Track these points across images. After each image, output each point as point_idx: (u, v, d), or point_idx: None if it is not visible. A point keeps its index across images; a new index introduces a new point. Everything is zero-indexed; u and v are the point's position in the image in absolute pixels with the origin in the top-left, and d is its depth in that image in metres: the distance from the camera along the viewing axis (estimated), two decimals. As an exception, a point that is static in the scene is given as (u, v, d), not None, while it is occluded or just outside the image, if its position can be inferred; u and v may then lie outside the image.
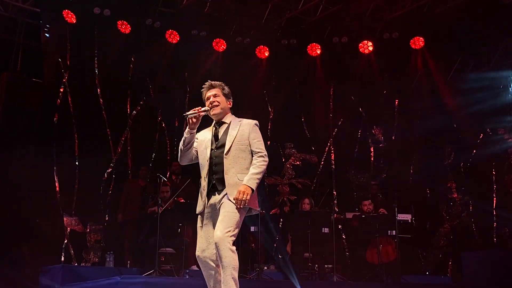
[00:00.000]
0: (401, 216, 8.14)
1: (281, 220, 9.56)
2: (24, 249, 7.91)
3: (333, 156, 10.56)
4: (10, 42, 9.11)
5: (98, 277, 6.64)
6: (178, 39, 9.81)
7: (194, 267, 7.42)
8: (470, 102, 9.70)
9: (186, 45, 9.90)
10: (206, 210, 3.78)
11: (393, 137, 10.48)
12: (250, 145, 3.83)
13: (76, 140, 9.09)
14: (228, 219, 3.60)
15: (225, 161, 3.76)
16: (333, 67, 10.40)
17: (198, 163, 3.96)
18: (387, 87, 10.55)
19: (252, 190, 3.67)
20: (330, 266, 8.14)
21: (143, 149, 9.81)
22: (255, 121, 3.94)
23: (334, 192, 10.24)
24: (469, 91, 9.73)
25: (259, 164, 3.76)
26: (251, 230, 7.81)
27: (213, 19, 9.79)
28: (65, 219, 8.48)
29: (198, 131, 3.91)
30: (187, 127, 3.82)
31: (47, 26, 8.88)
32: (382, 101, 10.63)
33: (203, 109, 3.85)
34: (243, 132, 3.84)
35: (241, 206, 3.64)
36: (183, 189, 7.64)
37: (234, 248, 3.55)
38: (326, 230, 7.76)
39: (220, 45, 10.10)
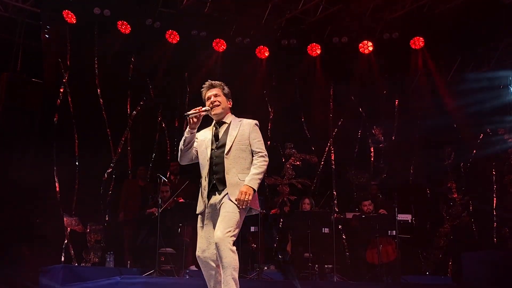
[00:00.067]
0: (401, 216, 8.15)
1: (281, 220, 9.56)
2: (24, 249, 7.90)
3: (333, 156, 10.57)
4: (10, 42, 9.10)
5: (98, 277, 6.64)
6: (178, 39, 9.81)
7: (193, 267, 7.43)
8: (470, 102, 9.70)
9: (186, 45, 9.90)
10: (206, 210, 3.78)
11: (393, 137, 10.48)
12: (250, 145, 3.83)
13: (76, 140, 9.09)
14: (228, 219, 3.60)
15: (225, 161, 3.76)
16: (333, 67, 10.40)
17: (197, 163, 3.96)
18: (387, 87, 10.55)
19: (254, 190, 3.67)
20: (330, 266, 8.14)
21: (143, 149, 9.81)
22: (255, 121, 3.94)
23: (334, 192, 10.25)
24: (469, 91, 9.73)
25: (260, 164, 3.76)
26: (251, 230, 7.80)
27: (213, 19, 9.79)
28: (65, 219, 8.48)
29: (198, 131, 3.91)
30: (188, 126, 3.82)
31: (47, 26, 8.88)
32: (382, 101, 10.63)
33: (203, 108, 3.85)
34: (243, 132, 3.84)
35: (243, 207, 3.64)
36: (182, 190, 7.63)
37: (234, 248, 3.55)
38: (326, 230, 7.76)
39: (220, 45, 10.10)
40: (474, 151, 10.23)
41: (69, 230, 8.53)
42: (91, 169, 8.99)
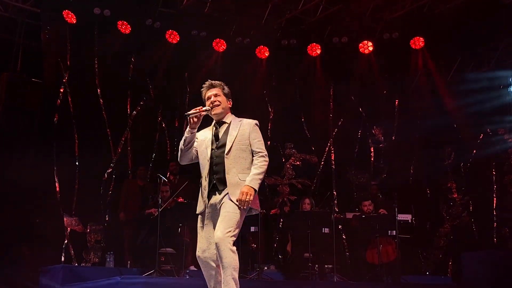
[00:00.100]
0: (401, 216, 8.15)
1: (281, 220, 9.57)
2: (24, 249, 7.90)
3: (333, 156, 10.57)
4: (10, 42, 9.10)
5: (98, 277, 6.64)
6: (178, 39, 9.81)
7: (192, 267, 7.43)
8: (470, 102, 9.70)
9: (186, 45, 9.90)
10: (206, 210, 3.78)
11: (393, 137, 10.48)
12: (250, 145, 3.83)
13: (76, 140, 9.09)
14: (228, 219, 3.60)
15: (226, 161, 3.76)
16: (333, 67, 10.40)
17: (197, 162, 3.96)
18: (387, 87, 10.55)
19: (255, 190, 3.68)
20: (330, 266, 8.14)
21: (143, 149, 9.81)
22: (255, 121, 3.94)
23: (334, 192, 10.25)
24: (469, 91, 9.73)
25: (261, 164, 3.77)
26: (251, 230, 7.80)
27: (213, 19, 9.79)
28: (65, 219, 8.48)
29: (198, 130, 3.91)
30: (188, 126, 3.82)
31: (47, 26, 8.88)
32: (382, 101, 10.63)
33: (204, 108, 3.85)
34: (243, 132, 3.84)
35: (245, 207, 3.64)
36: (181, 190, 7.63)
37: (234, 248, 3.55)
38: (326, 230, 7.76)
39: (220, 45, 10.10)
40: (474, 151, 10.23)
41: (69, 230, 8.53)
42: (91, 169, 8.99)
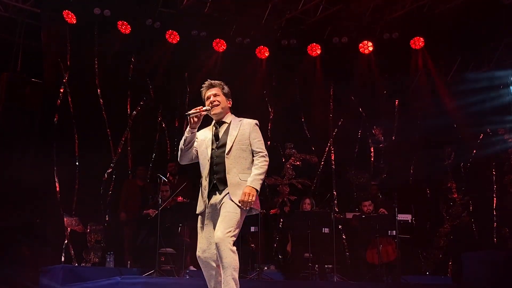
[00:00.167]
0: (401, 216, 8.15)
1: (281, 220, 9.57)
2: (24, 249, 7.90)
3: (333, 156, 10.57)
4: (10, 42, 9.10)
5: (99, 277, 6.64)
6: (178, 39, 9.81)
7: (192, 267, 7.43)
8: (470, 102, 9.71)
9: (186, 45, 9.90)
10: (206, 210, 3.78)
11: (393, 137, 10.48)
12: (251, 145, 3.83)
13: (76, 140, 9.09)
14: (228, 219, 3.60)
15: (226, 161, 3.76)
16: (333, 67, 10.39)
17: (197, 162, 3.96)
18: (387, 87, 10.55)
19: (257, 191, 3.68)
20: (330, 266, 8.14)
21: (143, 149, 9.80)
22: (255, 121, 3.94)
23: (334, 192, 10.25)
24: (469, 91, 9.74)
25: (261, 164, 3.77)
26: (251, 230, 7.81)
27: (213, 19, 9.79)
28: (65, 219, 8.48)
29: (198, 130, 3.91)
30: (188, 126, 3.82)
31: (47, 27, 8.89)
32: (382, 101, 10.63)
33: (204, 108, 3.85)
34: (243, 132, 3.84)
35: (247, 208, 3.64)
36: (180, 191, 7.63)
37: (234, 248, 3.55)
38: (326, 230, 7.76)
39: (220, 46, 10.10)
40: (474, 151, 10.23)
41: (69, 230, 8.53)
42: (91, 169, 8.99)
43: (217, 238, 3.54)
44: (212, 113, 3.90)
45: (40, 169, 8.14)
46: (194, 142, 3.88)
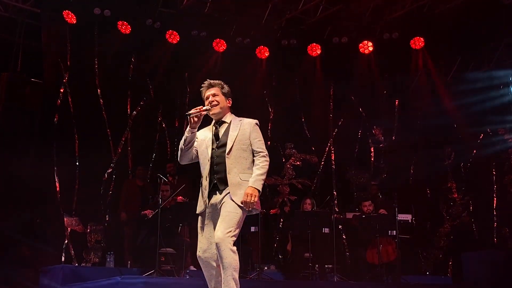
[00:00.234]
0: (401, 216, 8.14)
1: (281, 220, 9.57)
2: (24, 249, 7.90)
3: (333, 156, 10.57)
4: (10, 42, 9.10)
5: (99, 277, 6.64)
6: (178, 39, 9.81)
7: (192, 267, 7.43)
8: (470, 102, 9.71)
9: (186, 45, 9.90)
10: (207, 210, 3.78)
11: (393, 137, 10.47)
12: (251, 145, 3.83)
13: (76, 140, 9.09)
14: (229, 219, 3.60)
15: (227, 160, 3.75)
16: (333, 67, 10.39)
17: (196, 162, 3.96)
18: (387, 87, 10.55)
19: (259, 191, 3.68)
20: (330, 266, 8.14)
21: (143, 149, 9.80)
22: (256, 121, 3.94)
23: (335, 192, 10.25)
24: (469, 91, 9.74)
25: (262, 164, 3.77)
26: (251, 230, 7.80)
27: (213, 20, 9.79)
28: (65, 219, 8.48)
29: (197, 130, 3.91)
30: (188, 126, 3.82)
31: (47, 27, 8.89)
32: (382, 101, 10.63)
33: (204, 108, 3.85)
34: (244, 131, 3.84)
35: (250, 209, 3.64)
36: (179, 192, 7.63)
37: (235, 248, 3.55)
38: (326, 230, 7.77)
39: (220, 46, 10.10)
40: (474, 151, 10.24)
41: (69, 230, 8.53)
42: (91, 169, 8.98)
43: (218, 238, 3.54)
44: (211, 113, 3.90)
45: (40, 169, 8.15)
46: (194, 142, 3.88)
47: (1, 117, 8.20)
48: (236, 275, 3.54)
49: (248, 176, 3.74)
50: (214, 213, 3.75)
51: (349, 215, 8.90)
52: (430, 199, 10.27)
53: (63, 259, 8.42)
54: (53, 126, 8.85)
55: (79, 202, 8.81)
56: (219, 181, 3.75)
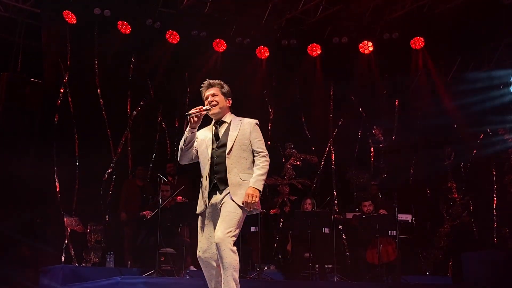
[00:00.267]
0: (401, 216, 8.15)
1: (281, 220, 9.57)
2: (24, 249, 7.90)
3: (333, 156, 10.57)
4: (10, 42, 9.10)
5: (99, 277, 6.64)
6: (178, 39, 9.81)
7: (192, 267, 7.43)
8: (470, 102, 9.71)
9: (186, 45, 9.90)
10: (207, 210, 3.78)
11: (393, 137, 10.48)
12: (251, 145, 3.83)
13: (77, 140, 9.09)
14: (229, 219, 3.60)
15: (227, 160, 3.75)
16: (333, 67, 10.39)
17: (196, 162, 3.96)
18: (387, 87, 10.55)
19: (260, 191, 3.68)
20: (330, 266, 8.15)
21: (143, 149, 9.80)
22: (256, 120, 3.94)
23: (335, 192, 10.25)
24: (469, 91, 9.74)
25: (263, 165, 3.77)
26: (251, 230, 7.81)
27: (213, 20, 9.79)
28: (65, 219, 8.48)
29: (197, 130, 3.90)
30: (188, 126, 3.82)
31: (47, 27, 8.89)
32: (382, 101, 10.63)
33: (204, 108, 3.85)
34: (244, 131, 3.84)
35: (251, 209, 3.64)
36: (178, 193, 7.63)
37: (235, 248, 3.55)
38: (326, 230, 7.77)
39: (220, 46, 10.10)
40: (474, 151, 10.24)
41: (69, 230, 8.53)
42: (91, 169, 8.98)
43: (218, 238, 3.54)
44: (210, 113, 3.90)
45: (40, 169, 8.14)
46: (194, 142, 3.88)
47: (1, 117, 8.20)
48: (236, 275, 3.54)
49: (248, 176, 3.74)
50: (214, 213, 3.75)
51: (349, 215, 8.90)
52: (430, 199, 10.27)
53: (63, 259, 8.42)
54: (53, 126, 8.85)
55: (79, 202, 8.81)
56: (219, 181, 3.74)
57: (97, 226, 8.47)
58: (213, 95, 3.91)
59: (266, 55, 10.35)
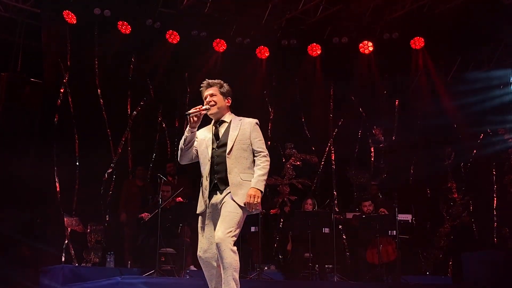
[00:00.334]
0: (401, 216, 8.15)
1: (281, 220, 9.57)
2: (24, 249, 7.90)
3: (333, 156, 10.57)
4: (10, 42, 9.10)
5: (99, 277, 6.64)
6: (178, 39, 9.81)
7: (192, 267, 7.43)
8: (470, 102, 9.71)
9: (186, 45, 9.90)
10: (207, 210, 3.78)
11: (393, 137, 10.48)
12: (251, 145, 3.83)
13: (77, 140, 9.09)
14: (229, 219, 3.60)
15: (227, 160, 3.75)
16: (333, 67, 10.39)
17: (196, 162, 3.96)
18: (387, 87, 10.55)
19: (261, 192, 3.68)
20: (330, 266, 8.15)
21: (144, 149, 9.80)
22: (256, 120, 3.94)
23: (335, 192, 10.26)
24: (469, 91, 9.74)
25: (264, 165, 3.77)
26: (251, 230, 7.81)
27: (213, 20, 9.79)
28: (65, 219, 8.47)
29: (197, 129, 3.90)
30: (188, 125, 3.82)
31: (47, 27, 8.89)
32: (382, 101, 10.63)
33: (204, 107, 3.85)
34: (244, 131, 3.84)
35: (253, 210, 3.64)
36: (178, 194, 7.63)
37: (235, 248, 3.55)
38: (326, 230, 7.77)
39: (220, 46, 10.09)
40: (474, 151, 10.24)
41: (69, 230, 8.53)
42: (92, 169, 8.98)
43: (218, 238, 3.53)
44: (208, 113, 3.90)
45: (40, 169, 8.14)
46: (194, 141, 3.87)
47: (1, 117, 8.20)
48: (237, 275, 3.54)
49: (248, 176, 3.74)
50: (215, 213, 3.75)
51: (349, 215, 8.91)
52: (430, 199, 10.27)
53: (63, 259, 8.41)
54: (53, 126, 8.84)
55: (79, 202, 8.81)
56: (219, 181, 3.74)
57: (97, 226, 8.47)
58: (211, 95, 3.90)
59: (266, 55, 10.35)
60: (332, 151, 10.58)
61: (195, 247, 3.80)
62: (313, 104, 10.71)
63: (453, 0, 9.21)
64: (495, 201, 9.94)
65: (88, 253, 8.24)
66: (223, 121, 3.92)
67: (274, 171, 9.88)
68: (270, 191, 10.03)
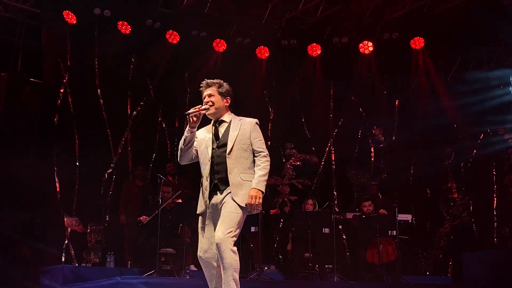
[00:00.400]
0: (401, 216, 8.15)
1: (282, 220, 9.57)
2: (24, 249, 7.90)
3: (333, 156, 10.57)
4: (10, 42, 9.10)
5: (99, 277, 6.65)
6: (178, 39, 9.81)
7: (192, 267, 7.43)
8: (470, 102, 9.71)
9: (186, 45, 9.90)
10: (207, 210, 3.77)
11: (393, 137, 10.48)
12: (251, 145, 3.82)
13: (77, 140, 9.08)
14: (229, 220, 3.59)
15: (228, 161, 3.75)
16: (333, 67, 10.39)
17: (196, 163, 3.96)
18: (387, 87, 10.56)
19: (263, 192, 3.68)
20: (330, 266, 8.15)
21: (144, 149, 9.80)
22: (256, 120, 3.93)
23: (335, 192, 10.26)
24: (469, 91, 9.74)
25: (264, 165, 3.76)
26: (251, 230, 7.81)
27: (213, 20, 9.79)
28: (65, 219, 8.47)
29: (197, 129, 3.90)
30: (188, 125, 3.82)
31: (47, 27, 8.89)
32: (382, 101, 10.63)
33: (203, 107, 3.84)
34: (244, 131, 3.83)
35: (254, 210, 3.64)
36: (178, 196, 7.63)
37: (235, 248, 3.55)
38: (326, 230, 7.77)
39: (220, 46, 10.09)
40: (474, 151, 10.24)
41: (69, 230, 8.53)
42: (92, 169, 8.98)
43: (218, 238, 3.53)
44: (207, 113, 3.89)
45: (40, 169, 8.15)
46: (194, 141, 3.87)
47: (1, 117, 8.21)
48: (237, 276, 3.54)
49: (248, 176, 3.74)
50: (215, 213, 3.74)
51: (349, 215, 8.90)
52: (430, 199, 10.27)
53: (63, 259, 8.41)
54: (53, 126, 8.84)
55: (79, 202, 8.81)
56: (220, 181, 3.74)
57: (97, 226, 8.47)
58: (210, 95, 3.90)
59: (266, 55, 10.35)
60: (332, 151, 10.58)
61: (195, 247, 3.80)
62: (313, 104, 10.71)
63: (453, 0, 9.21)
64: (495, 201, 9.94)
65: (88, 253, 8.25)
66: (223, 121, 3.92)
67: (274, 171, 9.87)
68: (270, 191, 10.03)
